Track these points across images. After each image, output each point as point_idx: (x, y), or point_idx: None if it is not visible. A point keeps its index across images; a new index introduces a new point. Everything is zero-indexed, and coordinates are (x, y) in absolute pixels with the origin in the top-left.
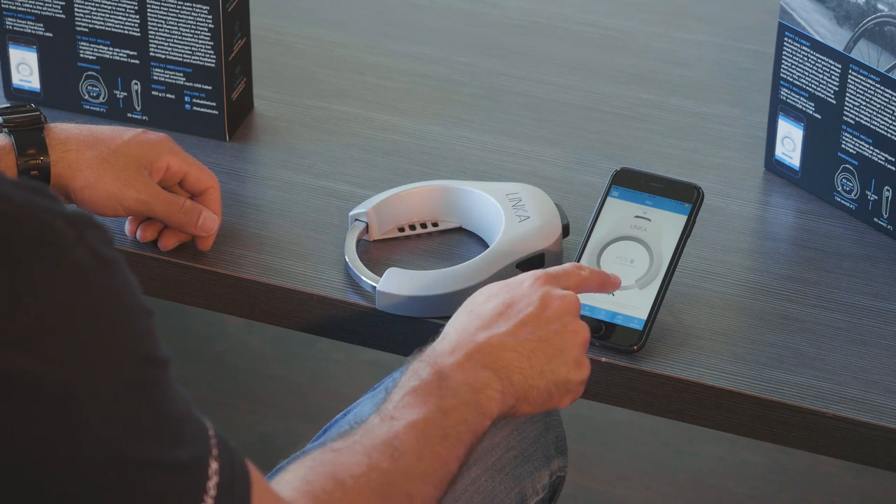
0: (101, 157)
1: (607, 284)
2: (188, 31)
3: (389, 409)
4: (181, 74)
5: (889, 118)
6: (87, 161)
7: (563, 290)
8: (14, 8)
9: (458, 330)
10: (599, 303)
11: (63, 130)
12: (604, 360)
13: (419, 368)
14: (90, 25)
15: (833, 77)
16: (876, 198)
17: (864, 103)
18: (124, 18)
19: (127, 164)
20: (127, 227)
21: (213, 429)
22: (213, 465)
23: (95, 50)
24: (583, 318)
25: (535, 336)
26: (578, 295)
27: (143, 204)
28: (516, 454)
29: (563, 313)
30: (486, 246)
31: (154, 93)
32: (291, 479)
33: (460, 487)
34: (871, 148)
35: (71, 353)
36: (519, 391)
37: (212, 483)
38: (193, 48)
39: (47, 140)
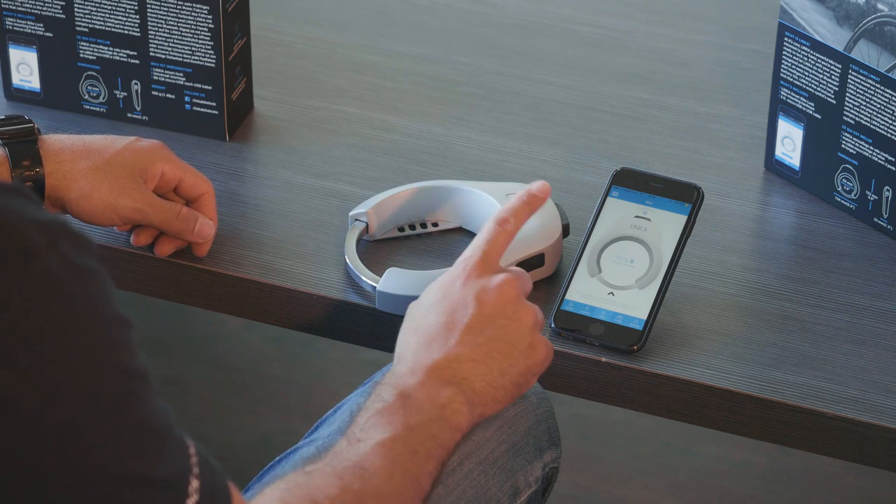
0: (95, 167)
1: (533, 204)
2: (188, 31)
3: (356, 432)
4: (181, 74)
5: (889, 118)
6: (81, 171)
7: (497, 274)
8: (14, 8)
9: (411, 352)
10: (599, 303)
11: (57, 141)
12: (604, 360)
13: (382, 391)
14: (90, 25)
15: (833, 77)
16: (876, 198)
17: (864, 103)
18: (124, 18)
19: (121, 173)
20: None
21: (194, 447)
22: (194, 484)
23: (95, 50)
24: (586, 318)
25: (485, 338)
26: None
27: (138, 212)
28: (508, 447)
29: (503, 305)
30: None
31: (154, 93)
32: (268, 500)
33: (452, 482)
34: (871, 148)
35: (41, 363)
36: (485, 397)
37: (191, 501)
38: (193, 48)
39: (41, 151)
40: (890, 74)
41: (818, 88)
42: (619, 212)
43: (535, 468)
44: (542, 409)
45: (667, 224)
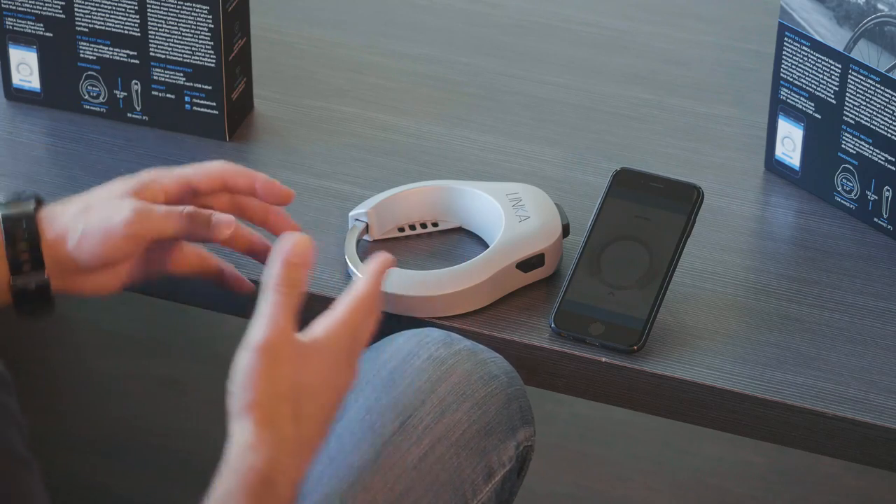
0: (86, 205)
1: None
2: (188, 31)
3: None
4: (181, 74)
5: (889, 118)
6: (72, 215)
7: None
8: (14, 8)
9: None
10: (599, 303)
11: (52, 209)
12: (604, 360)
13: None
14: (90, 25)
15: (833, 77)
16: (876, 198)
17: (864, 103)
18: (124, 18)
19: (110, 196)
20: None
21: None
22: None
23: (95, 50)
24: (586, 318)
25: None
26: None
27: (135, 225)
28: (479, 428)
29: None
30: (486, 246)
31: (154, 93)
32: None
33: (425, 467)
34: (871, 148)
35: None
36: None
37: None
38: (193, 48)
39: (43, 253)
40: (890, 74)
41: (818, 88)
42: (619, 212)
43: (509, 447)
44: (513, 387)
45: (667, 224)
